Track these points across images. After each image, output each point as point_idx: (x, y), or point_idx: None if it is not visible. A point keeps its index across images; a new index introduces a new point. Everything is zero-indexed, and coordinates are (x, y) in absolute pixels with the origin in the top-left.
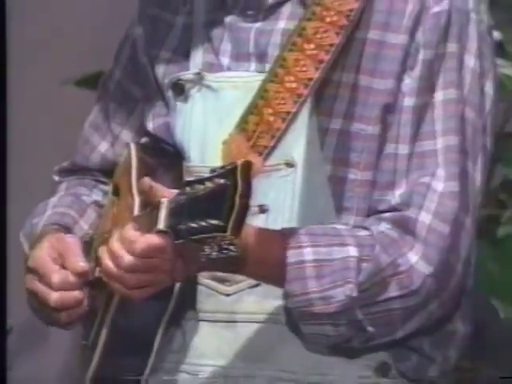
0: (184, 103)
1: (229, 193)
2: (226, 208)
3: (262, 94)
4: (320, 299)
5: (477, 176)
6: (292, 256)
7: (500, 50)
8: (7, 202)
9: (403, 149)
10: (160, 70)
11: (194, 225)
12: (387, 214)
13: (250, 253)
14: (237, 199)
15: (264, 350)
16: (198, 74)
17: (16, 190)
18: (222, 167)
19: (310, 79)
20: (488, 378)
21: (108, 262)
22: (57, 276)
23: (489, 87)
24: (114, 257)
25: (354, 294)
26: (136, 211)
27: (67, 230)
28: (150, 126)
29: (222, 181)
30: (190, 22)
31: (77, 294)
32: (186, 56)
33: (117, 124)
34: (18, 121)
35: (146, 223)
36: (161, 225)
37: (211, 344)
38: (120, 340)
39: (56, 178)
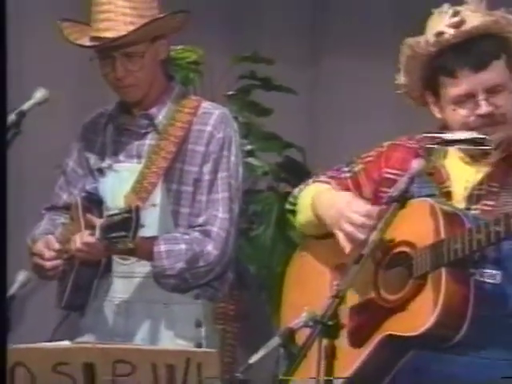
0: (103, 178)
1: (129, 220)
2: (129, 227)
3: (142, 174)
4: (169, 269)
5: (236, 210)
6: (156, 249)
7: (253, 154)
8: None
9: (204, 198)
10: (91, 162)
11: (114, 235)
12: (197, 228)
13: (139, 247)
14: (133, 223)
15: (145, 289)
16: (110, 164)
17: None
18: (125, 208)
19: (163, 167)
20: (245, 299)
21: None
22: (47, 253)
23: (240, 170)
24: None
25: (185, 266)
26: (83, 229)
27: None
28: (87, 188)
29: (126, 214)
30: (105, 140)
31: (57, 261)
32: (103, 155)
33: (71, 187)
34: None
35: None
36: (97, 236)
37: (121, 287)
38: (78, 284)
39: (43, 211)
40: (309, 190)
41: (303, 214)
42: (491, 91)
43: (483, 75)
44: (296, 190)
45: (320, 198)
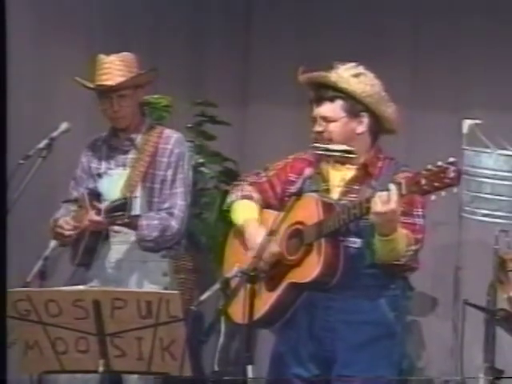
0: (101, 179)
1: (125, 204)
2: (125, 208)
3: (128, 177)
4: (147, 235)
5: (188, 199)
6: (139, 223)
7: (204, 165)
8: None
9: (168, 191)
10: (92, 170)
11: (115, 214)
12: (165, 210)
13: (130, 222)
14: (127, 206)
15: (131, 252)
16: (105, 170)
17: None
18: (123, 196)
19: (141, 172)
20: (199, 259)
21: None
22: (65, 226)
23: (190, 173)
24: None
25: (158, 234)
26: (90, 212)
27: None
28: (89, 186)
29: (123, 200)
30: (101, 155)
31: (71, 232)
32: (100, 165)
33: (79, 186)
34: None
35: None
36: (102, 215)
37: (115, 251)
38: (87, 249)
39: (61, 204)
40: (238, 208)
41: (234, 220)
42: (325, 119)
43: (320, 108)
44: (229, 200)
45: (243, 226)
